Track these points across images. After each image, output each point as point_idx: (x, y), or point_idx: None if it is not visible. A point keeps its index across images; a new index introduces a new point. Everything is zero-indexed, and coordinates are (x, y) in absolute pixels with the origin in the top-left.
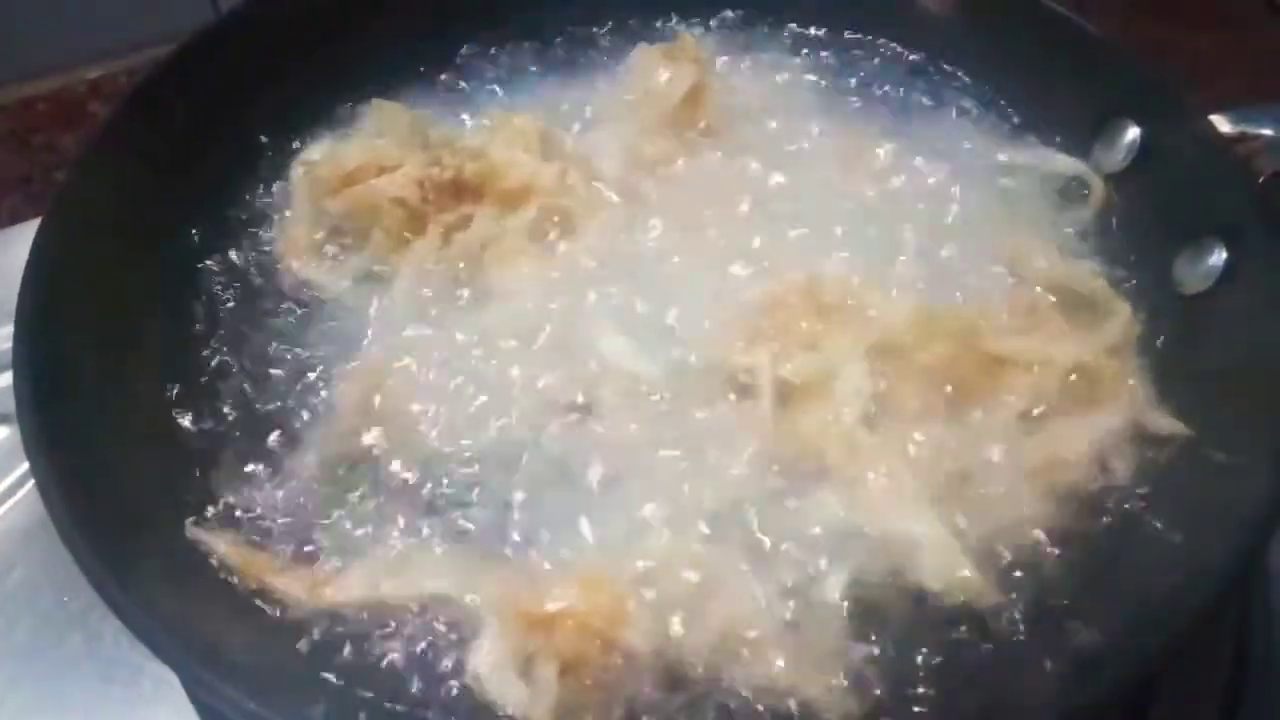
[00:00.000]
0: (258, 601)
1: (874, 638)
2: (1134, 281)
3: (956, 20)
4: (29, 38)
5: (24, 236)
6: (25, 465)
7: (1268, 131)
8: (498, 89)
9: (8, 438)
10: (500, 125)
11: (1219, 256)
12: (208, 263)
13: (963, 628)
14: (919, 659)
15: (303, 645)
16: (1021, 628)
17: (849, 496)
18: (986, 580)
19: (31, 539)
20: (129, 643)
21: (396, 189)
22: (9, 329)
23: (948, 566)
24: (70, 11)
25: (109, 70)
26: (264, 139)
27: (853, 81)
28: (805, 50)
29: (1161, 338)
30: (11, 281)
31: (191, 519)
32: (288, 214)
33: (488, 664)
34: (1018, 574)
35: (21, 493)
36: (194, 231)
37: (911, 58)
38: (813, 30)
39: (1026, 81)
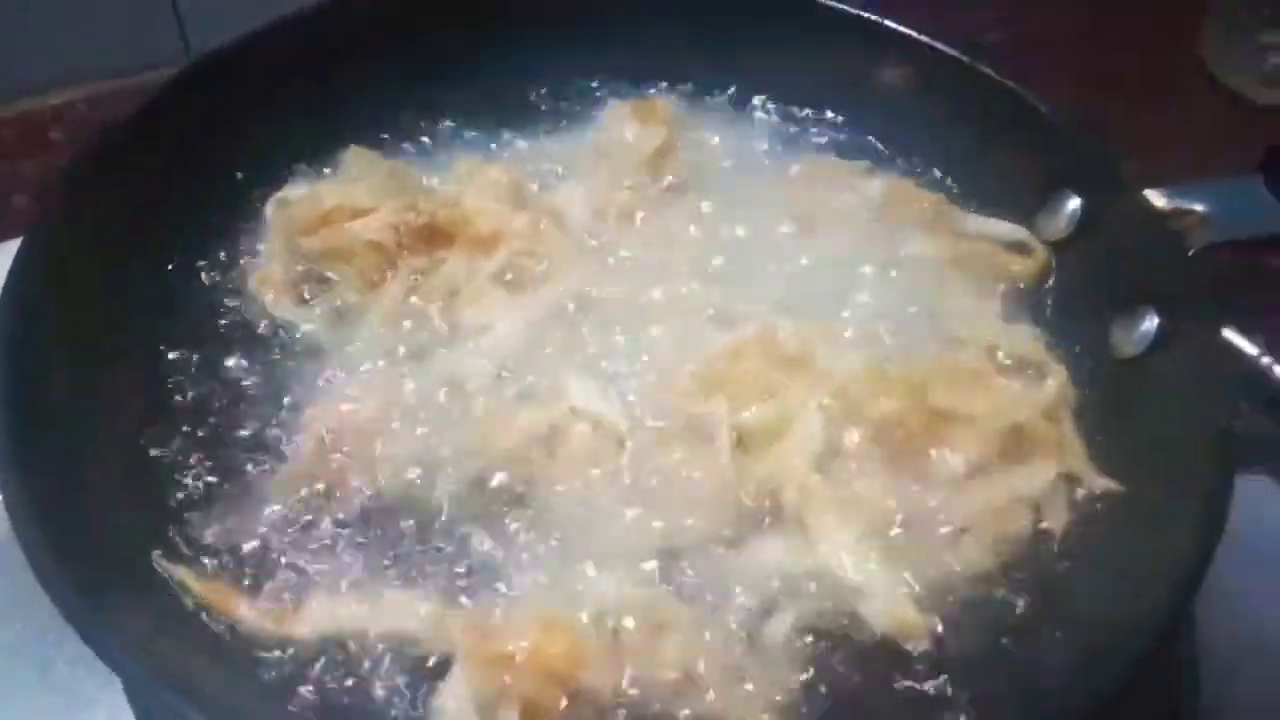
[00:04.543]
0: (225, 633)
1: (820, 676)
2: (1071, 345)
3: (905, 92)
4: None
5: None
6: None
7: (1199, 207)
8: (472, 141)
9: None
10: (473, 175)
11: (1152, 323)
12: (182, 296)
13: (904, 668)
14: (863, 698)
15: (270, 675)
16: (960, 669)
17: (799, 540)
18: (928, 623)
19: None
20: (84, 673)
21: (372, 232)
22: None
23: (891, 609)
24: (32, 38)
25: (70, 98)
26: (240, 176)
27: (807, 147)
28: (764, 118)
29: (1097, 399)
30: None
31: (159, 551)
32: (263, 251)
33: (451, 706)
34: (957, 618)
35: None
36: (169, 265)
37: (859, 127)
38: (771, 103)
39: (971, 151)
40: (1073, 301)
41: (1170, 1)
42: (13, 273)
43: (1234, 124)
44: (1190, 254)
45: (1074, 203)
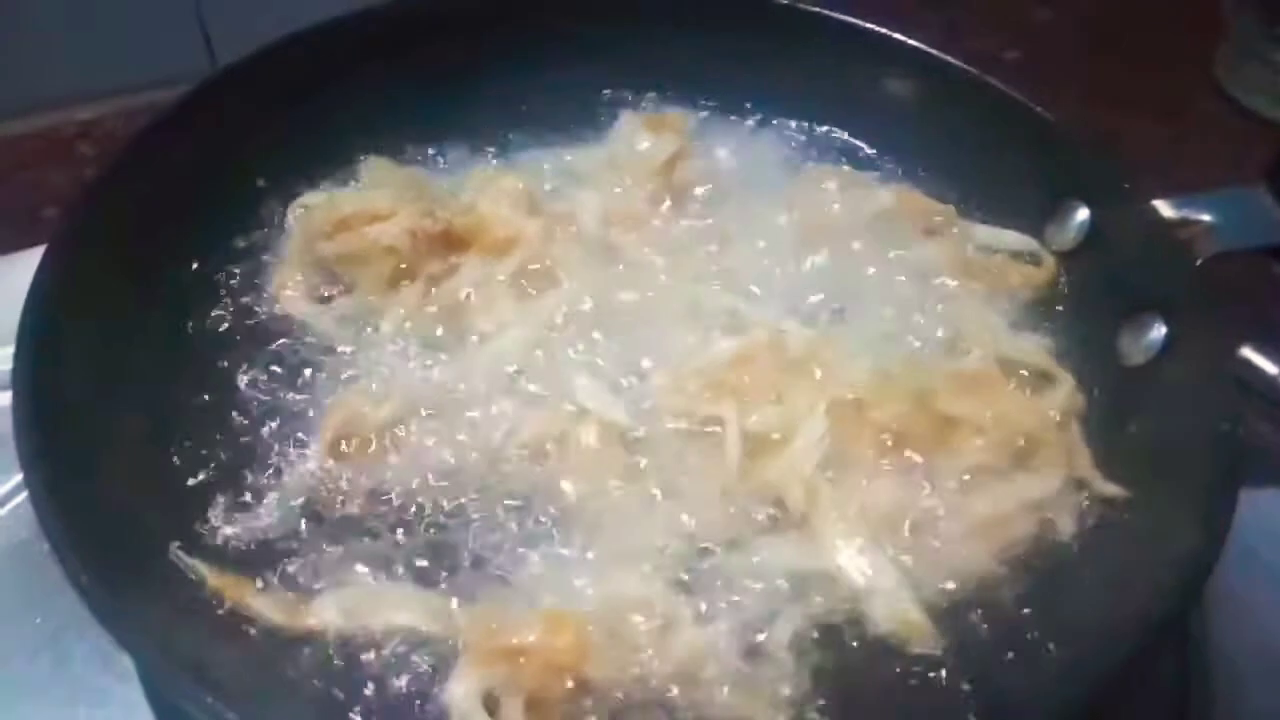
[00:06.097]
0: (242, 624)
1: (826, 676)
2: (1079, 353)
3: (915, 106)
4: (19, 76)
5: (10, 268)
6: None
7: (1206, 217)
8: (487, 152)
9: None
10: (489, 183)
11: (1159, 331)
12: (203, 298)
13: (906, 668)
14: (868, 698)
15: (285, 666)
16: (962, 670)
17: (805, 541)
18: (931, 624)
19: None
20: (99, 666)
21: (389, 238)
22: None
23: (896, 610)
24: (62, 52)
25: (99, 112)
26: (261, 183)
27: (818, 159)
28: (775, 130)
29: (1105, 406)
30: None
31: (176, 543)
32: (282, 255)
33: (457, 698)
34: (961, 620)
35: None
36: (193, 266)
37: (869, 140)
38: (782, 116)
39: (981, 163)
40: (1081, 310)
41: (1186, 24)
42: (38, 275)
43: (1252, 142)
44: (1198, 263)
45: (1083, 213)
